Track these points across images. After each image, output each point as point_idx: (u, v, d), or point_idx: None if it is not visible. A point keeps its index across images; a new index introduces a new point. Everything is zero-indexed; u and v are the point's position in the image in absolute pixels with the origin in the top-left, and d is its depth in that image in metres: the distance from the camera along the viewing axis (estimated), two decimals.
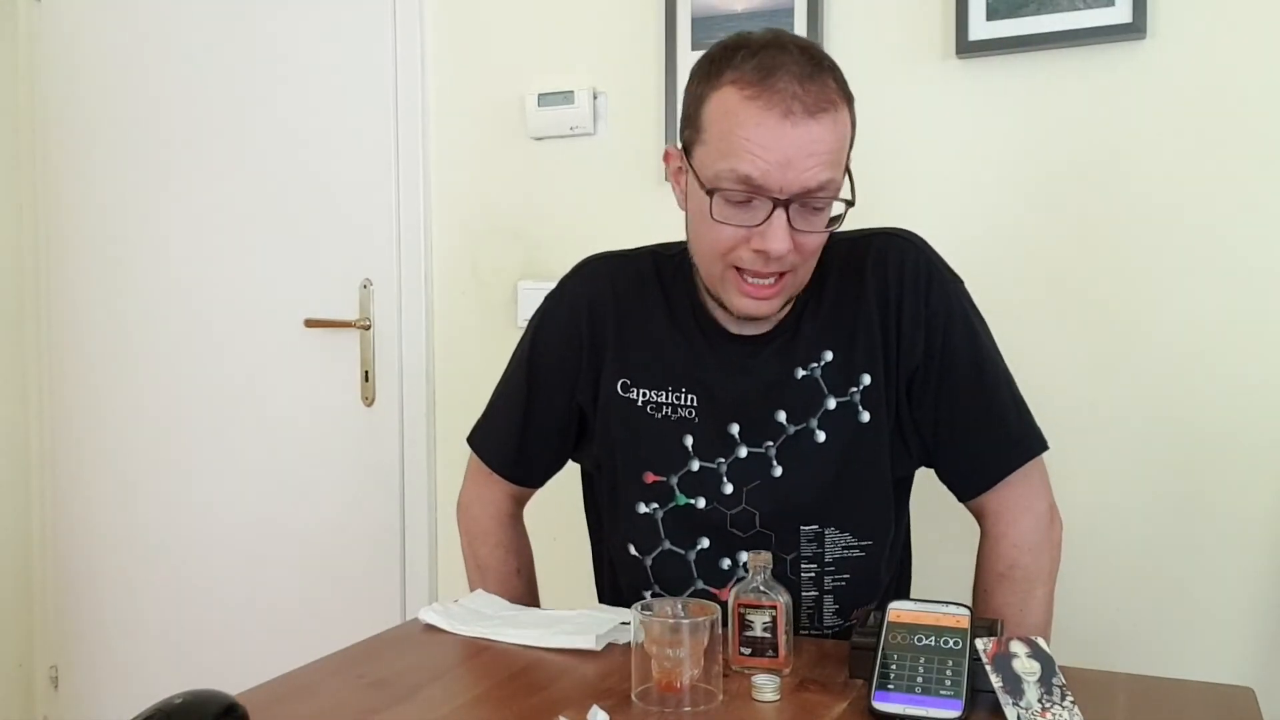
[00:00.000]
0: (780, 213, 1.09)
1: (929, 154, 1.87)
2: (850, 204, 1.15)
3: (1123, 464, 1.77)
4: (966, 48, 1.81)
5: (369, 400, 2.36)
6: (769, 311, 1.19)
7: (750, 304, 1.17)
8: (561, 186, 2.15)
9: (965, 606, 1.03)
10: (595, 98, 2.10)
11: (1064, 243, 1.79)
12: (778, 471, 1.23)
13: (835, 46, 1.92)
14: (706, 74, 1.14)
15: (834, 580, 1.25)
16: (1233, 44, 1.68)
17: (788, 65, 1.09)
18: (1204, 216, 1.71)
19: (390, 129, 2.30)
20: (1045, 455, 1.28)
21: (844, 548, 1.24)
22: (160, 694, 0.90)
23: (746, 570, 1.24)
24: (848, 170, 1.17)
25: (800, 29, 1.91)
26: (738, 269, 1.15)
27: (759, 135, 1.08)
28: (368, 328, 2.35)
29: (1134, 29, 1.70)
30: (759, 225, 1.10)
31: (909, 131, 1.88)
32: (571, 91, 2.10)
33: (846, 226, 1.31)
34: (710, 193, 1.11)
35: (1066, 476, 1.77)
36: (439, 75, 2.27)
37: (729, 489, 1.24)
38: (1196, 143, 1.71)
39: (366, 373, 2.36)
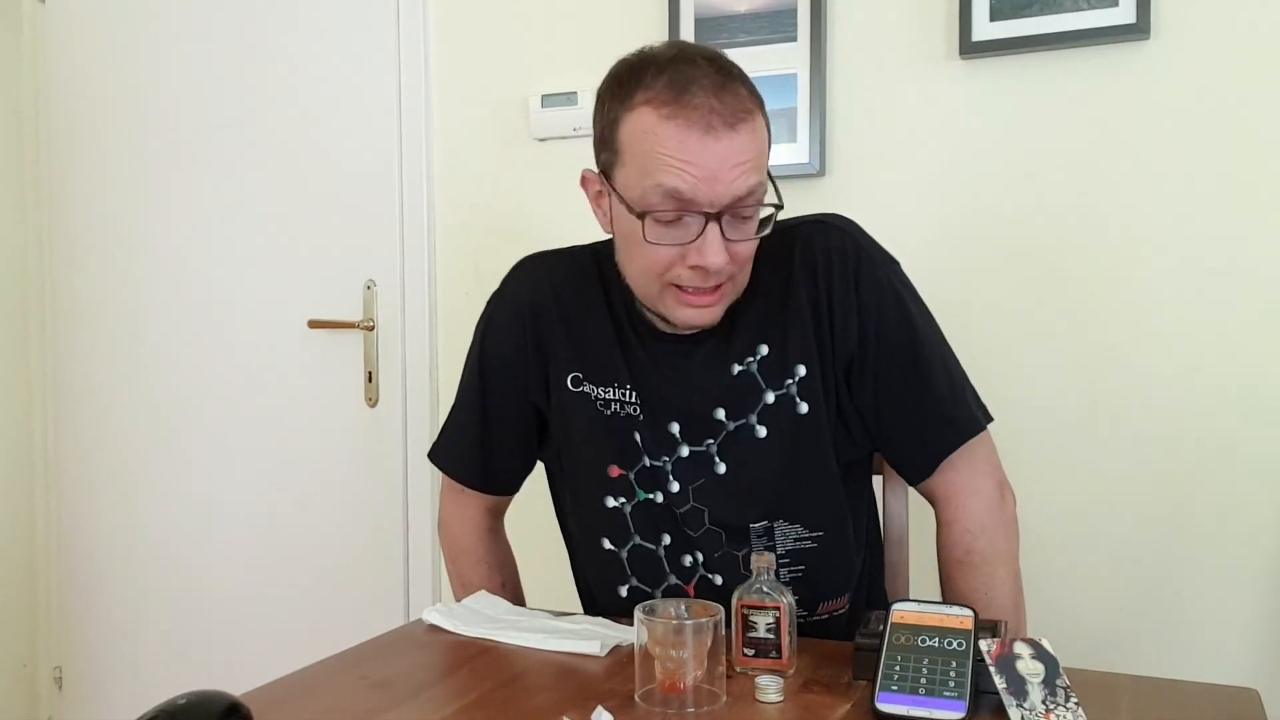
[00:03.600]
0: (714, 226, 1.09)
1: (932, 154, 1.87)
2: (779, 206, 1.15)
3: (1125, 465, 1.77)
4: (970, 48, 1.81)
5: (372, 401, 2.37)
6: (712, 320, 1.18)
7: (694, 314, 1.17)
8: (565, 187, 2.14)
9: (969, 608, 1.03)
10: None
11: (1066, 243, 1.79)
12: (721, 469, 1.23)
13: (839, 47, 1.92)
14: (616, 95, 1.13)
15: (790, 573, 1.24)
16: (1237, 44, 1.68)
17: (699, 79, 1.08)
18: (1208, 217, 1.71)
19: (394, 130, 2.31)
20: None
21: (795, 540, 1.24)
22: (164, 694, 0.90)
23: (705, 569, 1.25)
24: (770, 176, 1.16)
25: (803, 30, 1.91)
26: (676, 286, 1.15)
27: (683, 152, 1.07)
28: (371, 329, 2.35)
29: (1138, 29, 1.70)
30: (693, 242, 1.10)
31: (912, 132, 1.88)
32: (575, 92, 2.10)
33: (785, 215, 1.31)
34: (641, 215, 1.10)
35: (1069, 477, 1.78)
36: (442, 77, 2.27)
37: (676, 487, 1.24)
38: (1201, 143, 1.71)
39: (370, 374, 2.36)
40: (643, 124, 1.10)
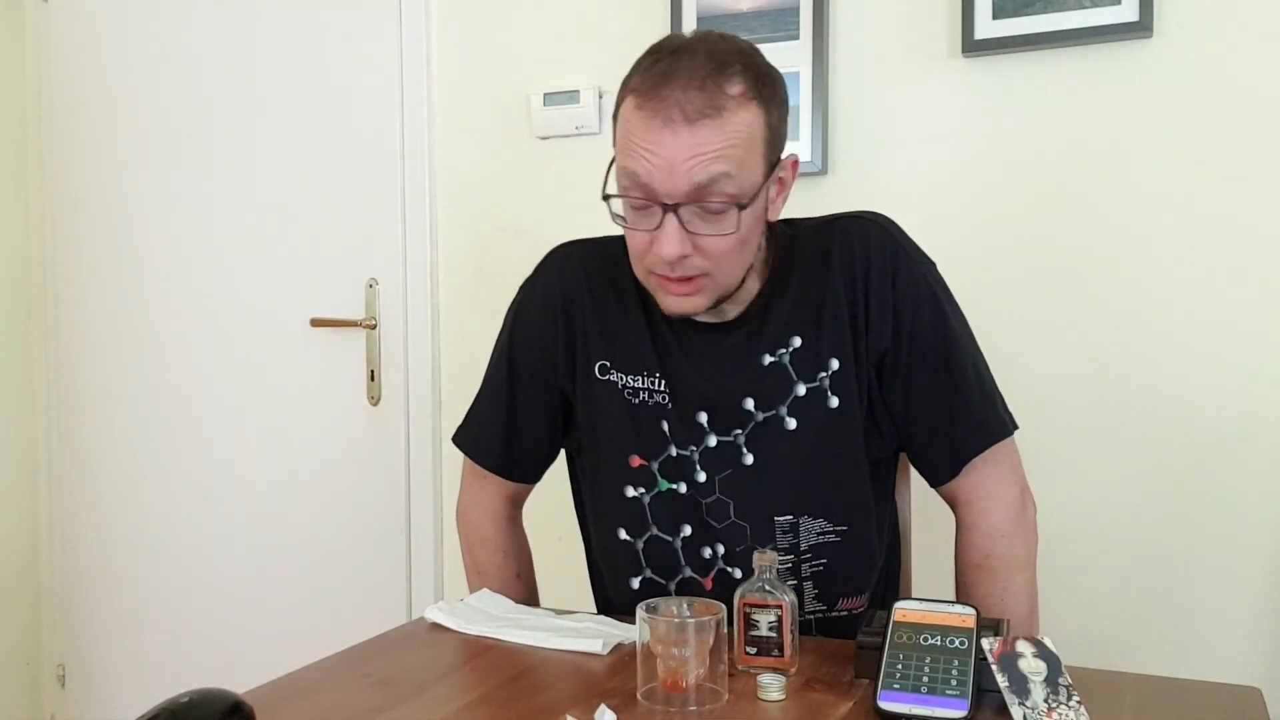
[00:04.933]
0: (671, 217, 1.11)
1: (935, 153, 1.87)
2: (742, 207, 1.11)
3: (1129, 462, 1.76)
4: (972, 46, 1.80)
5: (375, 399, 2.37)
6: (694, 309, 1.19)
7: (674, 302, 1.18)
8: (567, 185, 2.15)
9: (971, 606, 1.03)
10: (600, 97, 2.10)
11: (1071, 241, 1.79)
12: (749, 460, 1.24)
13: (841, 46, 1.92)
14: (623, 81, 1.17)
15: (811, 567, 1.25)
16: (1240, 42, 1.68)
17: (684, 71, 1.10)
18: (1211, 214, 1.71)
19: (396, 129, 2.31)
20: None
21: (819, 534, 1.24)
22: (167, 692, 0.90)
23: (725, 562, 1.25)
24: (775, 167, 1.15)
25: (805, 28, 1.91)
26: (656, 273, 1.17)
27: (645, 140, 1.10)
28: (374, 327, 2.35)
29: (1141, 27, 1.70)
30: (655, 230, 1.12)
31: (915, 130, 1.88)
32: (577, 91, 2.10)
33: (818, 212, 1.31)
34: (606, 198, 1.16)
35: (1074, 475, 1.78)
36: (445, 75, 2.27)
37: (703, 477, 1.25)
38: (1203, 141, 1.71)
39: (372, 372, 2.37)
40: (625, 112, 1.14)
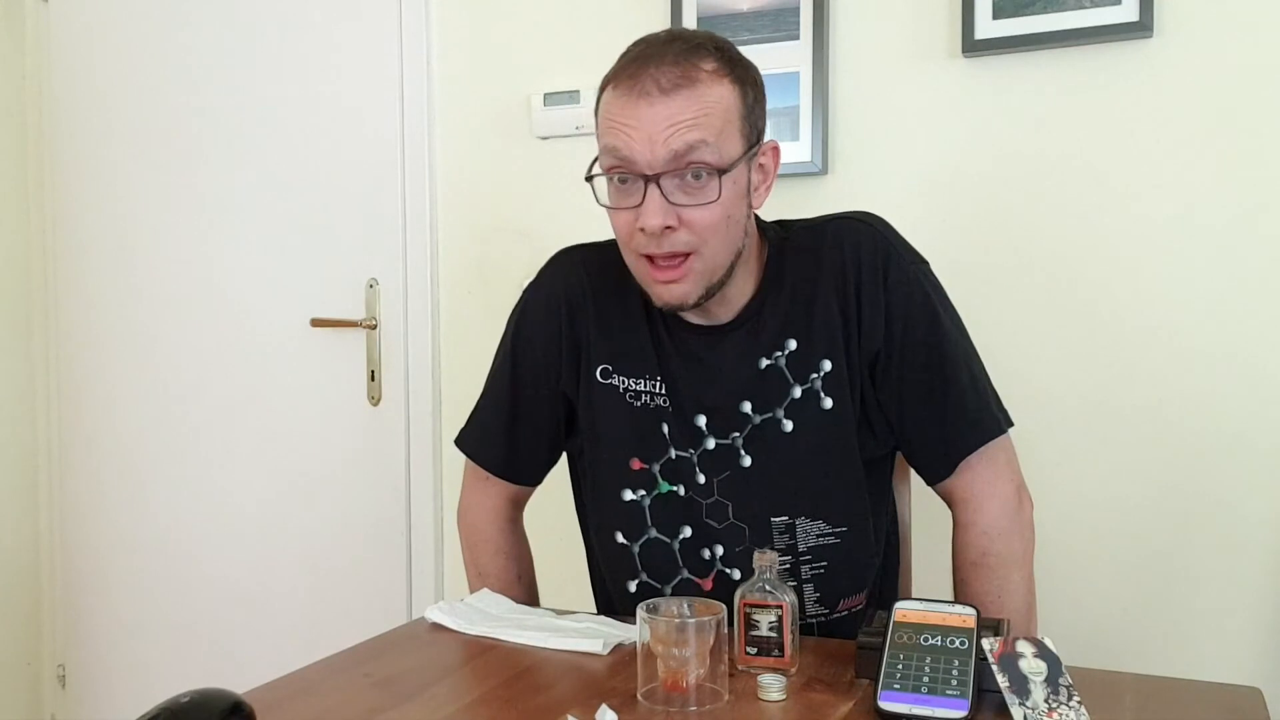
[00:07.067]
0: (653, 188, 1.12)
1: (935, 153, 1.87)
2: (722, 172, 1.12)
3: (1129, 461, 1.76)
4: (972, 46, 1.80)
5: (375, 400, 2.37)
6: (684, 297, 1.18)
7: (664, 290, 1.18)
8: (568, 186, 2.15)
9: (972, 606, 1.03)
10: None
11: (1071, 240, 1.79)
12: (746, 462, 1.24)
13: (841, 46, 1.92)
14: (601, 84, 1.19)
15: (811, 569, 1.25)
16: (1240, 42, 1.68)
17: (658, 56, 1.13)
18: (1211, 214, 1.71)
19: (397, 129, 2.31)
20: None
21: (818, 536, 1.25)
22: (167, 692, 0.90)
23: (724, 563, 1.26)
24: (753, 150, 1.17)
25: (806, 28, 1.91)
26: (647, 257, 1.17)
27: (622, 115, 1.13)
28: (374, 327, 2.35)
29: (1141, 27, 1.70)
30: (639, 205, 1.13)
31: (915, 131, 1.88)
32: (577, 91, 2.10)
33: (819, 212, 1.31)
34: (590, 178, 1.18)
35: (1073, 474, 1.78)
36: (445, 75, 2.27)
37: (702, 479, 1.25)
38: (1204, 141, 1.71)
39: (373, 372, 2.37)
40: (605, 99, 1.17)
